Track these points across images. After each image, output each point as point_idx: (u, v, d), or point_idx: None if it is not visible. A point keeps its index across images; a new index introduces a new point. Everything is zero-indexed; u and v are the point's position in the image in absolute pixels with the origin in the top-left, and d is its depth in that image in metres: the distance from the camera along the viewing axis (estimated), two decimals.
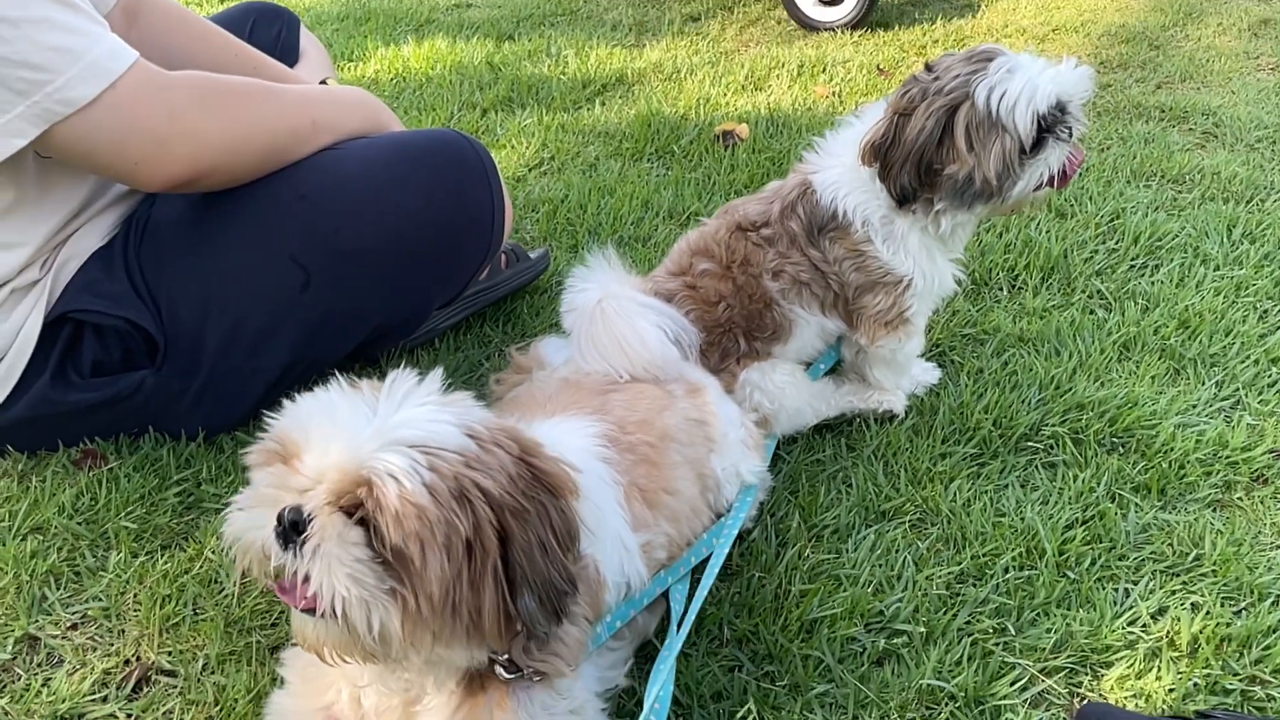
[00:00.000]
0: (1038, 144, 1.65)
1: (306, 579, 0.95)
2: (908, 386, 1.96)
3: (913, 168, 1.67)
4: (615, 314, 1.56)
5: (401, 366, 2.02)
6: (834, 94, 3.58)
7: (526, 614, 1.01)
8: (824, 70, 3.77)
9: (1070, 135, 1.67)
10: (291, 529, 0.95)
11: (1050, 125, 1.64)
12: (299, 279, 1.69)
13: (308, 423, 0.98)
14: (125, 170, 1.55)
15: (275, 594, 1.01)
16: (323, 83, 2.23)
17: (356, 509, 0.95)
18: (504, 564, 0.99)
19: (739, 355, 1.82)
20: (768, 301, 1.80)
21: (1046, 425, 1.88)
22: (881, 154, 1.69)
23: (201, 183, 1.62)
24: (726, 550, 1.51)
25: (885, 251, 1.76)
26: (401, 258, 1.77)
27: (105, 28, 1.50)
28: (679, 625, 1.38)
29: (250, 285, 1.69)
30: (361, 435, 0.95)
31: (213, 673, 1.38)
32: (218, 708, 1.33)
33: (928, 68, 1.70)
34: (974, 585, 1.55)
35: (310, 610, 0.98)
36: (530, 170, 3.07)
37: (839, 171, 1.78)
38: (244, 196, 1.69)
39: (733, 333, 1.81)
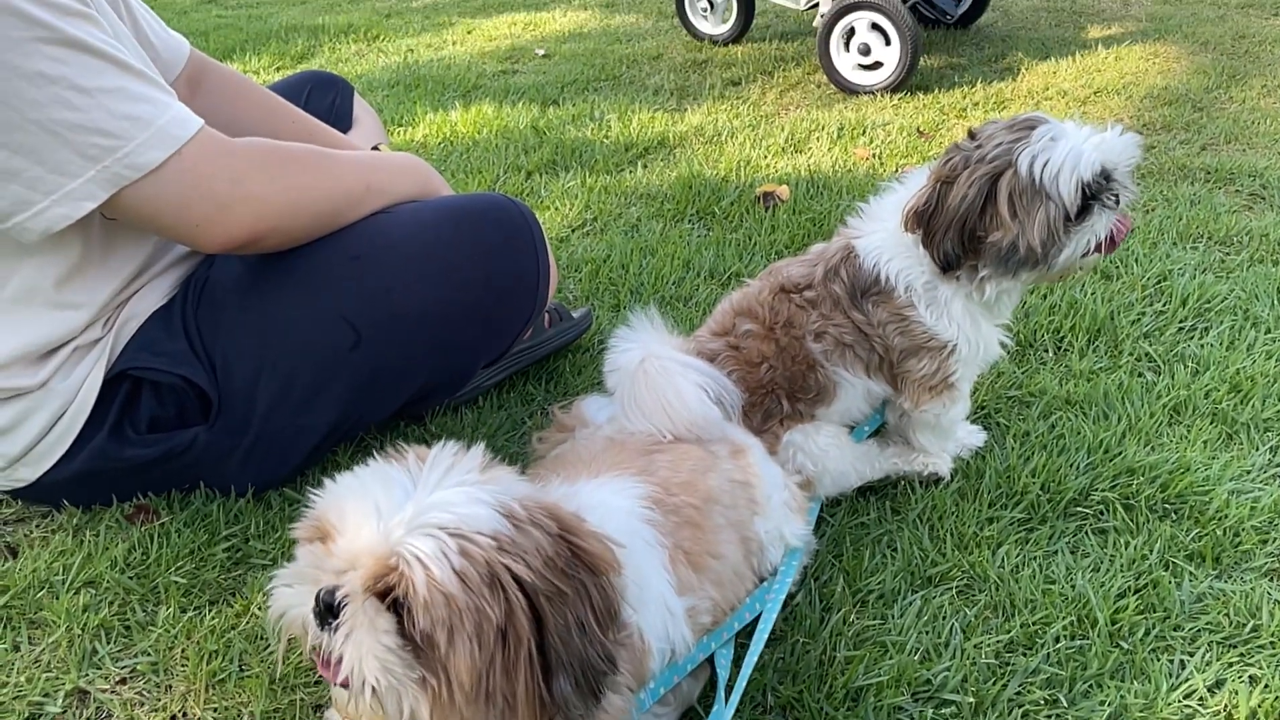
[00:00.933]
0: (1083, 211, 1.64)
1: (342, 658, 0.97)
2: (953, 450, 1.95)
3: (955, 235, 1.67)
4: (657, 373, 1.57)
5: (444, 437, 2.06)
6: (874, 156, 3.61)
7: (562, 697, 1.00)
8: (864, 133, 3.81)
9: (1117, 202, 1.67)
10: (327, 610, 0.98)
11: (1096, 192, 1.64)
12: (349, 338, 1.73)
13: (344, 503, 1.00)
14: (187, 232, 1.60)
15: (316, 666, 1.02)
16: (375, 148, 2.30)
17: (389, 593, 0.96)
18: (539, 648, 0.98)
19: (782, 417, 1.82)
20: (810, 363, 1.80)
21: (1096, 490, 1.85)
22: (924, 221, 1.70)
23: (259, 244, 1.67)
24: (774, 616, 1.49)
25: (929, 317, 1.76)
26: (449, 318, 1.80)
27: (173, 96, 1.57)
28: (727, 696, 1.36)
29: (301, 343, 1.73)
30: (394, 519, 0.96)
31: None
32: None
33: (971, 135, 1.71)
34: (1024, 654, 1.51)
35: (346, 685, 0.99)
36: (573, 231, 3.12)
37: (882, 236, 1.79)
38: (298, 258, 1.74)
39: (775, 394, 1.81)
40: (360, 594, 0.97)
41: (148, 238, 1.75)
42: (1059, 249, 1.66)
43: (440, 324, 1.80)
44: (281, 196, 1.66)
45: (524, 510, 1.01)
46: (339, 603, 0.97)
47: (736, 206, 3.20)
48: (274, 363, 1.73)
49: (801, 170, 3.49)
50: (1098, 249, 1.70)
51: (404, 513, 0.97)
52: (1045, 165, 1.60)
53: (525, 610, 0.96)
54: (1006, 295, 1.78)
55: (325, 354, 1.74)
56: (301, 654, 1.46)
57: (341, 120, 2.44)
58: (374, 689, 0.96)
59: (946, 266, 1.71)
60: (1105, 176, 1.64)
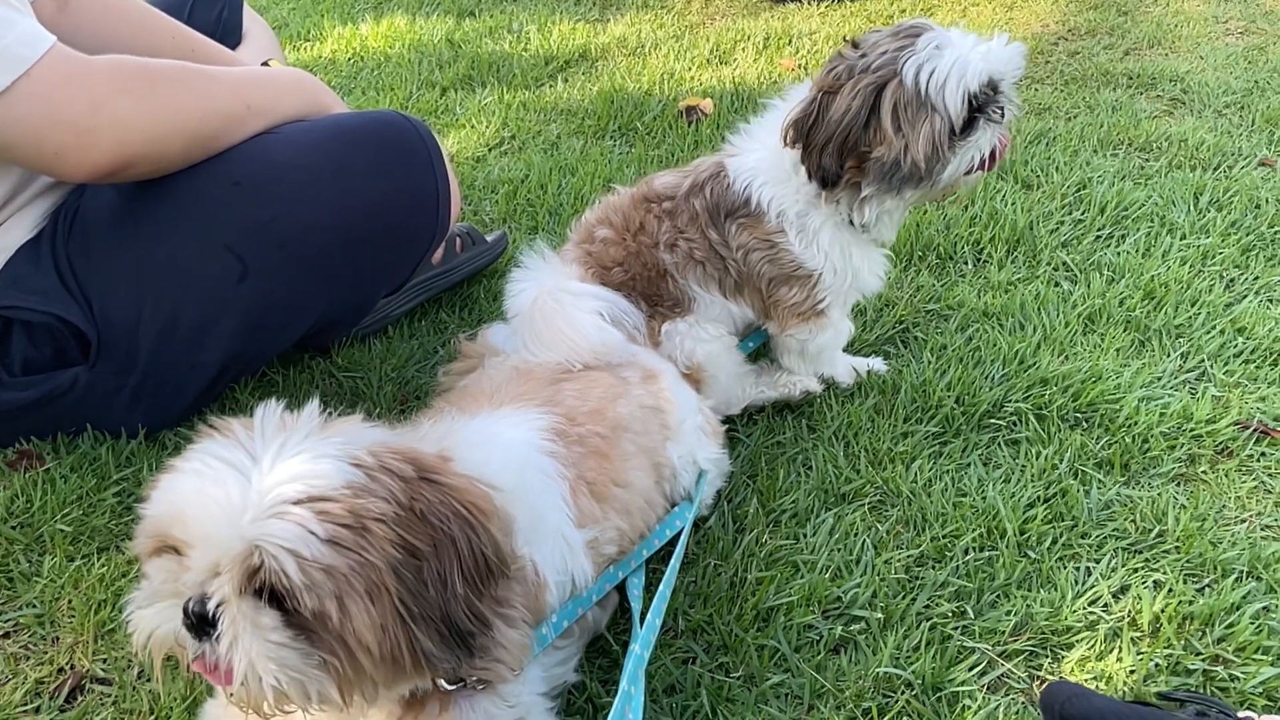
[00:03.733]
0: (968, 125, 1.59)
1: (230, 665, 0.92)
2: (832, 374, 1.92)
3: (836, 149, 1.60)
4: (552, 309, 1.55)
5: (351, 369, 1.98)
6: (800, 66, 3.52)
7: (425, 650, 0.94)
8: (790, 43, 3.71)
9: (1002, 116, 1.62)
10: (201, 622, 0.92)
11: (981, 105, 1.58)
12: (236, 270, 1.63)
13: (183, 509, 0.92)
14: (45, 162, 1.49)
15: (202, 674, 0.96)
16: (265, 64, 2.16)
17: (263, 587, 0.90)
18: (399, 599, 0.92)
19: (645, 317, 1.77)
20: (661, 272, 1.77)
21: (1010, 402, 1.85)
22: (804, 133, 1.63)
23: (127, 172, 1.56)
24: (683, 549, 1.47)
25: (798, 245, 1.72)
26: (343, 245, 1.71)
27: (22, 13, 1.43)
28: (641, 621, 1.33)
29: (185, 278, 1.63)
30: (243, 514, 0.89)
31: (148, 681, 1.34)
32: (152, 717, 1.29)
33: (854, 44, 1.64)
34: (933, 568, 1.52)
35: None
36: (490, 150, 3.01)
37: (758, 157, 1.73)
38: (175, 185, 1.62)
39: (632, 299, 1.76)
40: (234, 599, 0.90)
41: (9, 168, 1.62)
42: (943, 165, 1.60)
43: (333, 251, 1.70)
44: (148, 120, 1.54)
45: (372, 457, 0.95)
46: (213, 613, 0.91)
47: (659, 121, 3.11)
48: (156, 298, 1.63)
49: (726, 83, 3.39)
50: (981, 166, 1.65)
51: (250, 501, 0.89)
52: (931, 75, 1.53)
53: (387, 554, 0.91)
54: (888, 215, 1.73)
55: (211, 287, 1.64)
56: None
57: (230, 35, 2.29)
58: (274, 686, 0.91)
59: (825, 183, 1.65)
60: (992, 88, 1.58)
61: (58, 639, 1.41)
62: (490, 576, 1.01)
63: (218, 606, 0.91)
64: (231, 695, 0.95)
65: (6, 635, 1.42)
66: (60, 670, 1.37)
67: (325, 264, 1.71)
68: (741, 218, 1.73)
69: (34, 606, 1.45)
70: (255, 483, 0.90)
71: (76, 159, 1.47)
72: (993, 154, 1.65)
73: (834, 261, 1.74)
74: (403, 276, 1.91)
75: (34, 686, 1.34)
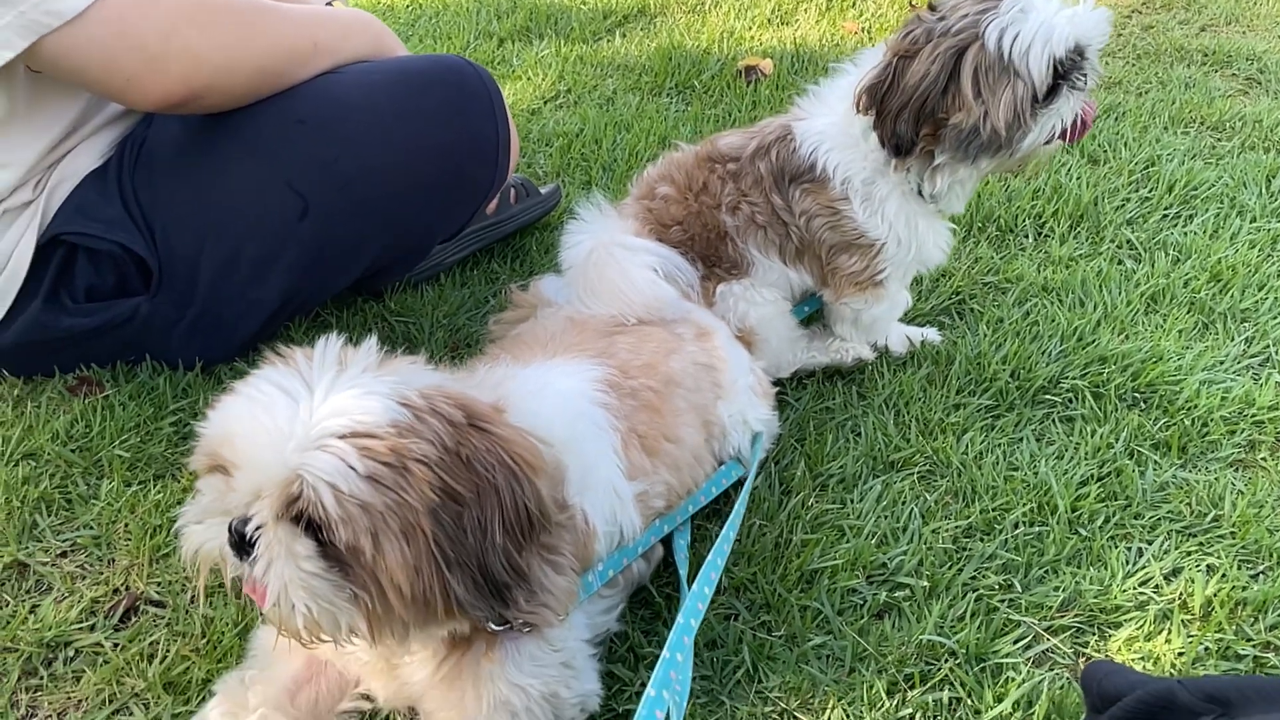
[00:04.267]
0: (1051, 92, 1.53)
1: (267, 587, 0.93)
2: (885, 343, 1.89)
3: (911, 115, 1.55)
4: (606, 262, 1.55)
5: (403, 315, 1.99)
6: (863, 30, 3.45)
7: (459, 596, 0.95)
8: (853, 5, 3.64)
9: (1085, 84, 1.56)
10: (242, 542, 0.93)
11: (1066, 72, 1.53)
12: (297, 207, 1.64)
13: (234, 431, 0.93)
14: (117, 87, 1.50)
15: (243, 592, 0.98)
16: (328, 3, 2.15)
17: (303, 515, 0.91)
18: (435, 542, 0.92)
19: (699, 278, 1.76)
20: (722, 234, 1.75)
21: (1066, 378, 1.81)
22: (878, 99, 1.58)
23: (196, 103, 1.56)
24: (742, 513, 1.46)
25: (862, 213, 1.68)
26: (402, 187, 1.71)
27: None
28: (690, 583, 1.32)
29: (247, 213, 1.64)
30: (288, 441, 0.90)
31: (201, 605, 1.37)
32: (204, 640, 1.32)
33: (931, 7, 1.59)
34: (981, 540, 1.50)
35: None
36: (545, 103, 2.99)
37: (826, 122, 1.70)
38: (240, 120, 1.63)
39: (690, 257, 1.74)
40: (272, 523, 0.92)
41: (78, 94, 1.63)
42: (1024, 133, 1.54)
43: (392, 194, 1.71)
44: (217, 51, 1.54)
45: (423, 399, 0.95)
46: (251, 535, 0.92)
47: (717, 80, 3.07)
48: (218, 232, 1.64)
49: (787, 43, 3.34)
50: (1062, 136, 1.59)
51: (296, 430, 0.90)
52: (1015, 39, 1.47)
53: (426, 496, 0.91)
54: (960, 186, 1.68)
55: (272, 224, 1.65)
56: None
57: None
58: (304, 614, 0.92)
59: (898, 151, 1.61)
60: (1078, 54, 1.52)
61: (113, 560, 1.44)
62: (531, 530, 1.01)
63: (256, 529, 0.93)
64: (264, 616, 0.97)
65: (64, 555, 1.46)
66: (115, 591, 1.40)
67: (385, 206, 1.71)
68: (806, 183, 1.71)
69: (91, 529, 1.49)
70: (304, 413, 0.92)
71: (146, 86, 1.48)
72: (1074, 124, 1.59)
73: (898, 232, 1.70)
74: (459, 223, 1.91)
75: (89, 605, 1.38)
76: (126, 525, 1.49)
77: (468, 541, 0.93)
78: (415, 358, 1.06)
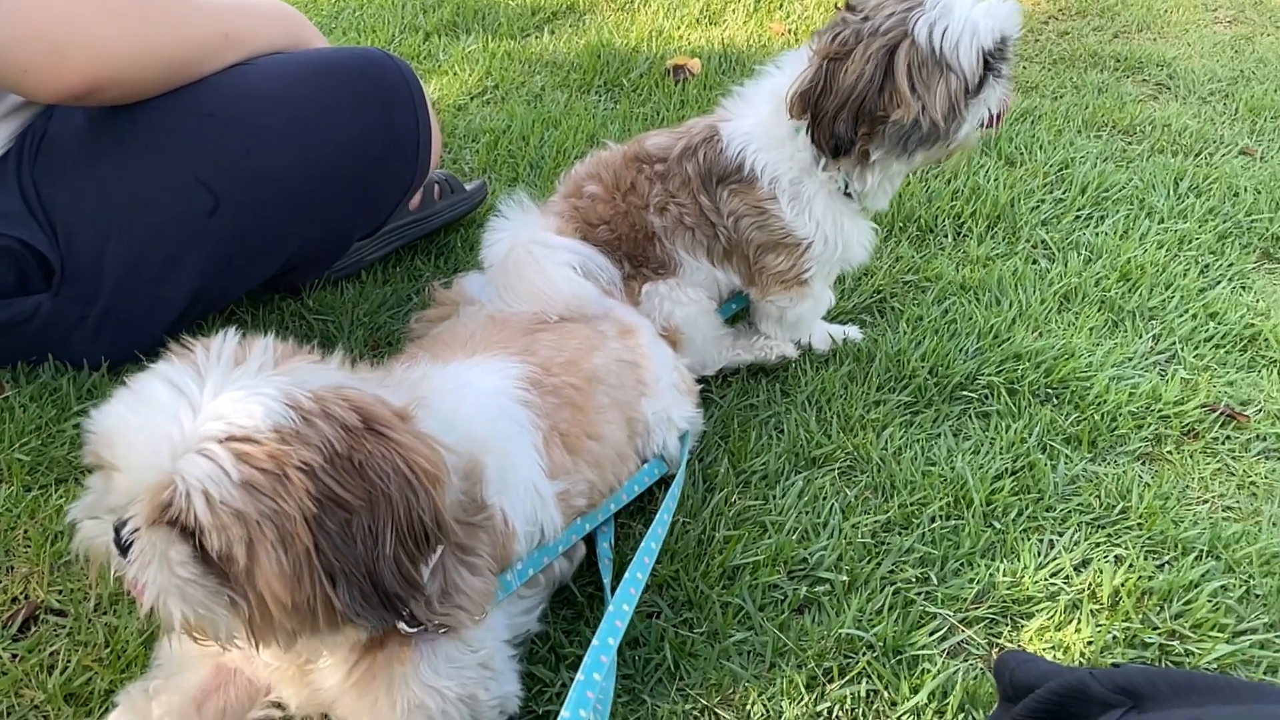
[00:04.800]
0: (980, 82, 1.58)
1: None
2: (808, 341, 1.91)
3: (850, 116, 1.58)
4: (525, 261, 1.54)
5: (322, 312, 1.94)
6: (790, 31, 3.48)
7: (345, 606, 0.92)
8: (780, 6, 3.67)
9: (1006, 72, 1.62)
10: (122, 543, 0.91)
11: (991, 62, 1.58)
12: (207, 203, 1.59)
13: (114, 431, 0.90)
14: (14, 78, 1.43)
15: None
16: None
17: (179, 520, 0.88)
18: (318, 549, 0.89)
19: (623, 277, 1.76)
20: (650, 234, 1.75)
21: (982, 375, 1.85)
22: (812, 103, 1.61)
23: (98, 95, 1.50)
24: (669, 521, 1.46)
25: (789, 213, 1.70)
26: (318, 183, 1.67)
27: None
28: (613, 589, 1.31)
29: (154, 209, 1.58)
30: (163, 444, 0.87)
31: (104, 613, 1.32)
32: (107, 650, 1.27)
33: (850, 7, 1.61)
34: (900, 534, 1.53)
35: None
36: (472, 99, 2.96)
37: (752, 123, 1.71)
38: (147, 112, 1.58)
39: (616, 256, 1.75)
40: (147, 527, 0.89)
41: None
42: (959, 123, 1.59)
43: (308, 189, 1.66)
44: (122, 41, 1.48)
45: (314, 402, 0.91)
46: (125, 539, 0.90)
47: (646, 79, 3.06)
48: (123, 228, 1.58)
49: (715, 43, 3.35)
50: (986, 123, 1.65)
51: (174, 433, 0.87)
52: (944, 34, 1.51)
53: (304, 505, 0.87)
54: (890, 181, 1.72)
55: (180, 220, 1.60)
56: None
57: None
58: (180, 619, 0.90)
59: (837, 152, 1.63)
60: (1002, 44, 1.57)
61: (12, 569, 1.38)
62: (427, 540, 0.98)
63: (133, 532, 0.90)
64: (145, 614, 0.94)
65: None
66: (14, 600, 1.34)
67: (299, 201, 1.67)
68: (734, 183, 1.72)
69: None
70: (185, 415, 0.88)
71: (46, 77, 1.42)
72: (999, 112, 1.65)
73: (825, 230, 1.72)
74: (379, 219, 1.87)
75: None
76: (26, 532, 1.43)
77: (356, 550, 0.90)
78: (319, 356, 1.03)
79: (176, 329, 1.73)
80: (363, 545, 0.90)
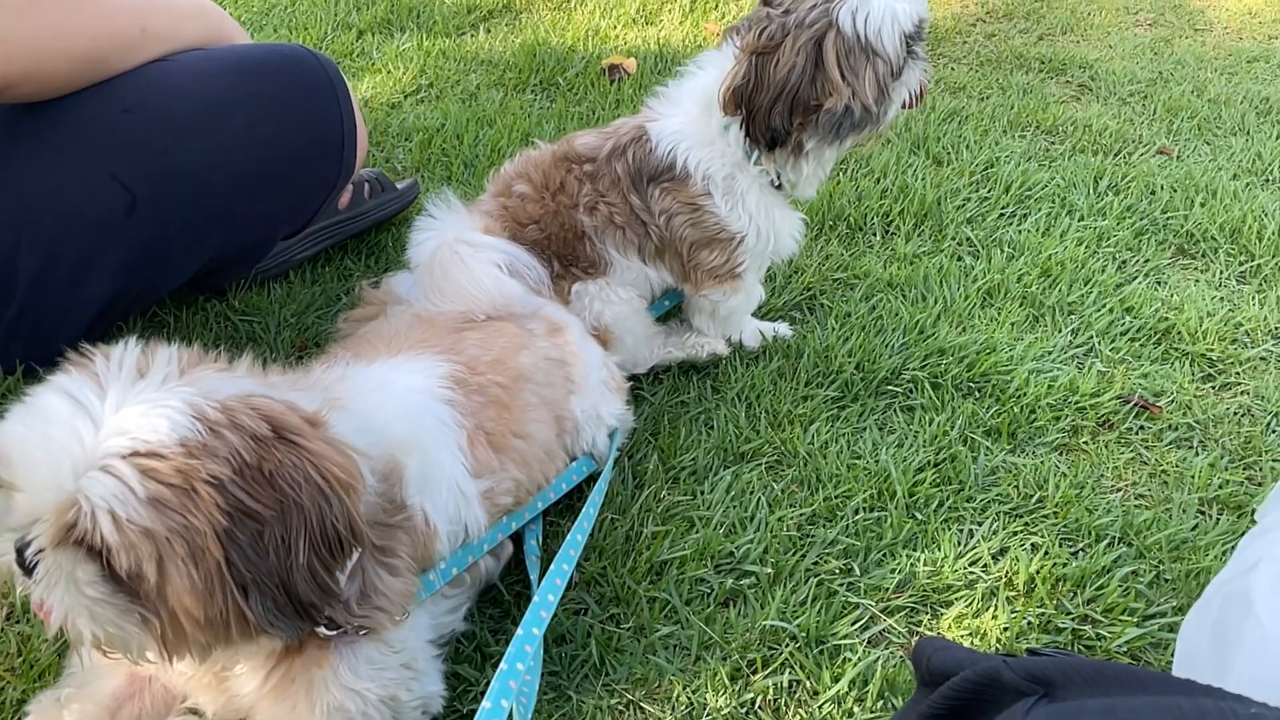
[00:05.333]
0: (900, 65, 1.63)
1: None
2: (739, 338, 1.94)
3: (785, 108, 1.61)
4: (450, 260, 1.54)
5: (248, 313, 1.92)
6: (723, 31, 3.50)
7: (259, 616, 0.91)
8: (716, 6, 3.70)
9: (921, 54, 1.67)
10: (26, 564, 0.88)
11: (910, 45, 1.63)
12: (123, 202, 1.56)
13: (12, 449, 0.87)
14: None
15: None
16: None
17: (84, 539, 0.86)
18: (228, 561, 0.88)
19: (553, 277, 1.77)
20: (580, 234, 1.76)
21: (907, 369, 1.89)
22: (746, 99, 1.63)
23: (9, 92, 1.46)
24: (594, 515, 1.47)
25: (724, 207, 1.73)
26: (239, 181, 1.65)
27: None
28: (538, 581, 1.32)
29: (67, 207, 1.55)
30: (65, 462, 0.85)
31: (16, 622, 1.29)
32: (20, 659, 1.24)
33: (767, 3, 1.65)
34: (824, 526, 1.55)
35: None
36: (406, 97, 2.93)
37: (680, 122, 1.73)
38: (60, 109, 1.54)
39: (546, 256, 1.76)
40: (51, 549, 0.87)
41: None
42: (887, 106, 1.64)
43: (228, 187, 1.64)
44: (32, 37, 1.45)
45: (221, 413, 0.90)
46: (30, 560, 0.88)
47: (582, 78, 3.07)
48: (36, 227, 1.55)
49: (651, 43, 3.37)
50: (908, 103, 1.70)
51: (75, 450, 0.85)
52: (867, 21, 1.56)
53: (214, 519, 0.86)
54: (821, 169, 1.76)
55: (95, 219, 1.56)
56: None
57: None
58: (91, 638, 0.88)
59: (773, 143, 1.67)
60: (919, 27, 1.62)
61: None
62: (340, 548, 0.97)
63: (37, 553, 0.88)
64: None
65: None
66: None
67: (220, 200, 1.65)
68: (665, 182, 1.73)
69: None
70: (85, 431, 0.86)
71: None
72: (920, 92, 1.71)
73: (758, 224, 1.75)
74: (303, 218, 1.85)
75: None
76: None
77: (269, 560, 0.89)
78: (226, 363, 1.01)
79: (94, 332, 1.70)
80: (275, 555, 0.89)
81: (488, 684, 1.25)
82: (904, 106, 1.70)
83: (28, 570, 0.89)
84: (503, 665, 1.15)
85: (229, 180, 1.64)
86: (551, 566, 1.32)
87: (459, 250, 1.55)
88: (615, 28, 3.48)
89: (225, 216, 1.68)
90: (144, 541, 0.84)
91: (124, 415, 0.87)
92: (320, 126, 1.74)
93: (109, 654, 0.94)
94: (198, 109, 1.60)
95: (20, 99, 1.52)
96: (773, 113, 1.62)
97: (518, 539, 1.44)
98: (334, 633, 1.06)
